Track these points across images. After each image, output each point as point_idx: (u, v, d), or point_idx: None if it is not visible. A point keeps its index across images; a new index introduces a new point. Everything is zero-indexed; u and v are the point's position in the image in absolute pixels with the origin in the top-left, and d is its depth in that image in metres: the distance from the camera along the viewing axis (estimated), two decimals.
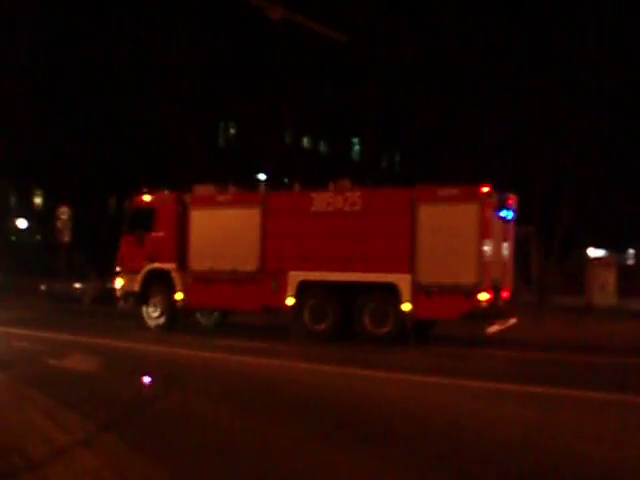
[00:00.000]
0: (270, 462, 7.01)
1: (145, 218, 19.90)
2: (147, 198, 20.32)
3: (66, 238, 31.49)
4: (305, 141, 53.87)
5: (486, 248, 16.16)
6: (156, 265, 19.79)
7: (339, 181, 18.31)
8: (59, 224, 31.39)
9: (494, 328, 16.66)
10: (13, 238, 53.01)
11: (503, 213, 17.21)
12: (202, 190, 19.74)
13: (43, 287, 33.23)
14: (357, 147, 54.95)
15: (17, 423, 8.22)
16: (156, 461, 6.91)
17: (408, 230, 16.69)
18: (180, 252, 19.40)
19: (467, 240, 16.18)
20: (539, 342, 17.76)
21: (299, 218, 17.96)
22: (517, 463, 6.95)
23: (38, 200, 55.26)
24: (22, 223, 49.74)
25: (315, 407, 9.70)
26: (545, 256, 28.97)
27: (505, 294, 17.59)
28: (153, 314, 20.08)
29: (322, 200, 17.72)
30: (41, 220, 49.44)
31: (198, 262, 19.14)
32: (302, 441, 7.80)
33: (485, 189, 16.25)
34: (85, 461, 6.82)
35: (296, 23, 24.85)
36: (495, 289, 16.60)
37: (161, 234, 19.71)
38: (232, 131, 50.13)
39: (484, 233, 16.15)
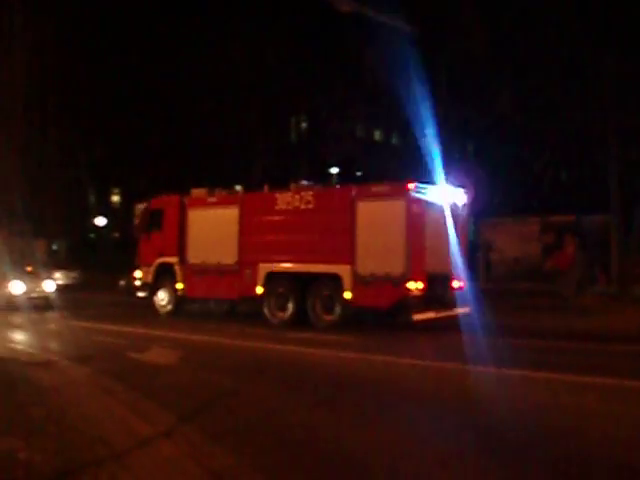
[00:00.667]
0: (349, 453, 7.03)
1: (156, 218, 22.89)
2: (157, 201, 23.38)
3: None
4: (377, 134, 53.64)
5: (414, 240, 17.46)
6: (164, 259, 22.60)
7: (299, 181, 20.68)
8: (136, 221, 32.07)
9: (421, 316, 17.50)
10: (92, 235, 54.42)
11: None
12: (197, 193, 22.37)
13: (122, 283, 33.87)
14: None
15: (101, 414, 8.42)
16: (235, 452, 6.99)
17: (348, 225, 18.37)
18: (181, 247, 22.11)
19: (396, 233, 17.61)
20: (617, 334, 17.32)
21: (267, 216, 20.05)
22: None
23: (116, 198, 56.61)
24: (101, 221, 50.98)
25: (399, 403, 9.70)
26: (625, 246, 28.22)
27: (457, 284, 18.93)
28: (162, 302, 22.80)
29: (284, 199, 19.73)
30: (118, 217, 50.61)
31: (193, 256, 21.83)
32: (387, 434, 7.79)
33: (411, 185, 17.47)
34: (166, 451, 6.94)
35: (366, 15, 24.75)
36: (433, 279, 17.83)
37: (167, 232, 22.50)
38: (304, 125, 50.26)
39: (410, 226, 17.47)
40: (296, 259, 19.33)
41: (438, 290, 18.20)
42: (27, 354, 13.56)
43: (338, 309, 18.50)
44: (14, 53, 39.47)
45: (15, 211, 33.84)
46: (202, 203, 21.88)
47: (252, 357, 14.16)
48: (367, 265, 18.03)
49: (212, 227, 21.28)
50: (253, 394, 10.14)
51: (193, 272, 21.74)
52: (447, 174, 20.01)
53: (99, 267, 42.40)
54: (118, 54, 44.80)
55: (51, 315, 22.85)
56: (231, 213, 20.78)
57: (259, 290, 19.86)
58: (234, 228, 20.59)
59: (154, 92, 44.35)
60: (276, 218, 19.83)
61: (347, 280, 18.22)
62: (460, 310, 18.63)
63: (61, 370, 11.71)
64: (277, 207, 19.78)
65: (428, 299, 17.76)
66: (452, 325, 17.56)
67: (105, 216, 51.04)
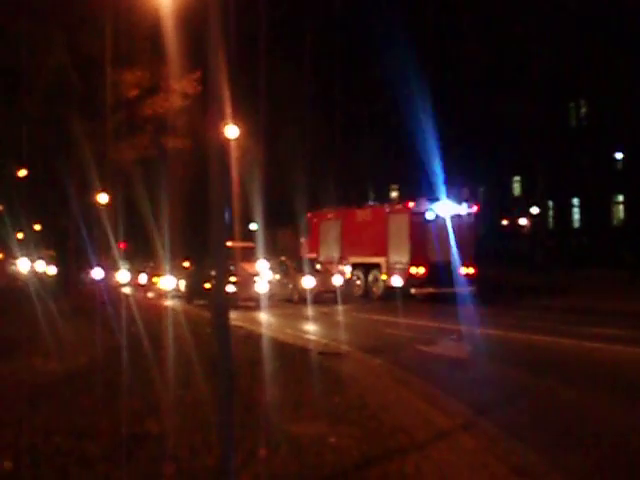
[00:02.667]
0: None
1: (309, 227, 32.74)
2: (309, 215, 33.27)
3: None
4: None
5: (415, 240, 26.33)
6: (310, 255, 30.88)
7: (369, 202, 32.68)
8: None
9: (420, 291, 26.16)
10: None
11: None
12: (325, 210, 33.22)
13: None
14: None
15: (398, 404, 8.61)
16: (534, 449, 6.82)
17: (385, 231, 27.55)
18: (317, 247, 31.49)
19: (404, 235, 26.72)
20: None
21: (352, 225, 29.86)
22: None
23: (394, 194, 57.88)
24: None
25: None
26: None
27: (465, 271, 26.11)
28: None
29: (359, 214, 30.14)
30: None
31: (323, 253, 31.08)
32: None
33: (411, 204, 27.07)
34: (467, 444, 6.90)
35: None
36: (437, 266, 25.46)
37: (313, 236, 32.13)
38: (584, 110, 47.85)
39: (412, 231, 26.48)
40: (363, 254, 28.53)
41: (442, 274, 25.02)
42: (322, 345, 14.25)
43: (381, 287, 27.51)
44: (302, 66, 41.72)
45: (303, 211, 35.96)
46: (326, 217, 32.10)
47: (544, 351, 13.70)
48: (392, 257, 27.06)
49: (330, 233, 30.91)
50: (550, 390, 9.82)
51: (323, 264, 29.44)
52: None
53: None
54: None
55: (339, 308, 23.83)
56: (337, 223, 30.81)
57: (349, 275, 28.95)
58: (338, 233, 30.41)
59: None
60: (356, 226, 29.47)
61: (384, 267, 27.36)
62: (462, 289, 24.83)
63: (355, 360, 12.17)
64: (356, 219, 29.86)
65: (430, 279, 25.81)
66: None
67: None
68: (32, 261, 53.64)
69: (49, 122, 26.25)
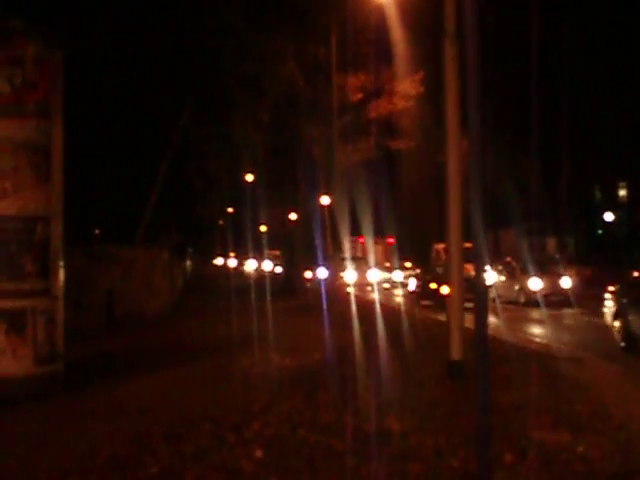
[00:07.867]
0: None
1: None
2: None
3: None
4: None
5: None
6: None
7: None
8: None
9: None
10: (600, 231, 53.59)
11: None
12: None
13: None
14: None
15: None
16: None
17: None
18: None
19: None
20: None
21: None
22: None
23: (622, 192, 54.93)
24: (608, 216, 49.82)
25: None
26: None
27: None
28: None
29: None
30: (628, 212, 49.03)
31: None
32: None
33: (361, 239, 42.25)
34: None
35: None
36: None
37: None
38: None
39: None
40: None
41: None
42: (555, 349, 13.75)
43: None
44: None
45: (530, 209, 34.94)
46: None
47: None
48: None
49: None
50: None
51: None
52: None
53: (608, 263, 41.49)
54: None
55: (569, 311, 22.85)
56: None
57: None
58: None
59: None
60: None
61: None
62: None
63: (592, 366, 11.64)
64: None
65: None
66: None
67: (613, 211, 49.77)
68: (259, 261, 56.73)
69: (279, 127, 27.47)
